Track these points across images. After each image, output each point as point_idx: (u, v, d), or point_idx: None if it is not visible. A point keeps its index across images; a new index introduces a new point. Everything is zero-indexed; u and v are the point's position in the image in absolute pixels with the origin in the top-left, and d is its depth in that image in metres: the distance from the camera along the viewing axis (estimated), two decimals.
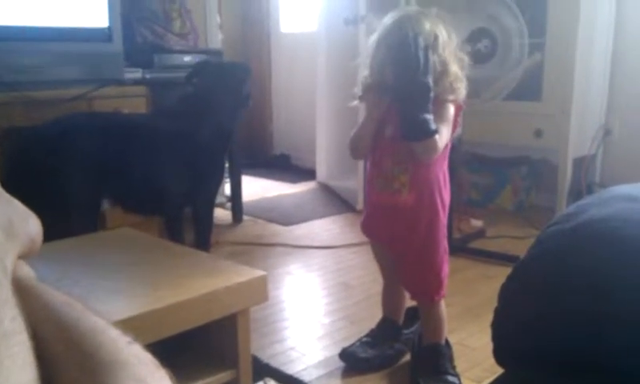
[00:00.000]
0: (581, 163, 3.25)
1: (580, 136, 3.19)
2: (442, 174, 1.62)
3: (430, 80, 1.45)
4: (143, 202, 2.22)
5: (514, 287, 0.85)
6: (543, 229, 0.87)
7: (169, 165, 2.19)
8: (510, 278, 0.86)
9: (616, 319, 0.68)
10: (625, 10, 3.22)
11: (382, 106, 1.56)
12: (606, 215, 0.79)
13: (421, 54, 1.44)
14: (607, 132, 3.35)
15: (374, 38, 1.58)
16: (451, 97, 1.57)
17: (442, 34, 1.54)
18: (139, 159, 2.12)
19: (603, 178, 3.39)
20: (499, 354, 0.85)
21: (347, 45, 3.56)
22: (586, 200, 0.88)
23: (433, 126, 1.48)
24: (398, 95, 1.50)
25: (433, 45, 1.50)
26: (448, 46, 1.55)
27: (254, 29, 5.20)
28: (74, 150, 2.01)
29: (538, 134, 3.14)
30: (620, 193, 0.85)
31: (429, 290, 1.67)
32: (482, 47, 2.40)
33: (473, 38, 2.45)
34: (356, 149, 1.68)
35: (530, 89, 3.16)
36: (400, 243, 1.67)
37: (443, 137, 1.53)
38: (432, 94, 1.46)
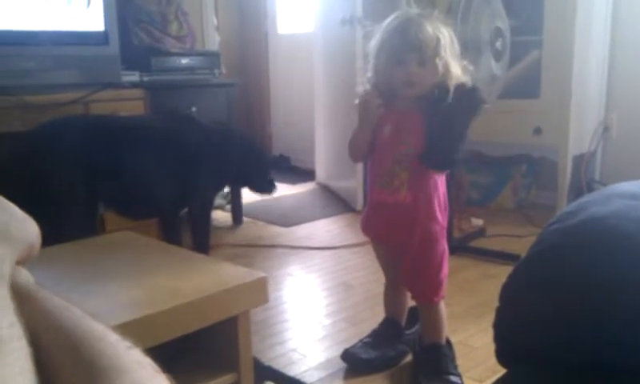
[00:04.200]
0: (580, 160, 3.25)
1: (579, 133, 3.18)
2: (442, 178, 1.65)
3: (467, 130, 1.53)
4: (133, 205, 2.21)
5: (516, 286, 0.84)
6: (544, 227, 0.86)
7: (159, 168, 2.17)
8: (511, 278, 0.85)
9: (618, 317, 0.67)
10: (621, 5, 3.22)
11: (377, 112, 1.57)
12: (607, 213, 0.78)
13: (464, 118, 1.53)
14: (606, 129, 3.35)
15: (375, 42, 1.58)
16: None
17: (445, 35, 1.53)
18: (130, 161, 2.11)
19: (603, 174, 3.39)
20: (501, 354, 0.84)
21: (344, 45, 3.56)
22: (587, 198, 0.88)
23: (458, 160, 1.58)
24: (431, 127, 1.54)
25: (435, 48, 1.51)
26: (450, 48, 1.54)
27: (251, 30, 5.20)
28: (66, 152, 2.00)
29: (538, 131, 3.14)
30: (620, 190, 0.85)
31: (427, 290, 1.67)
32: (499, 46, 2.43)
33: (493, 36, 2.49)
34: (354, 153, 1.69)
35: (528, 86, 3.16)
36: (399, 242, 1.67)
37: None
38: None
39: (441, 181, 1.64)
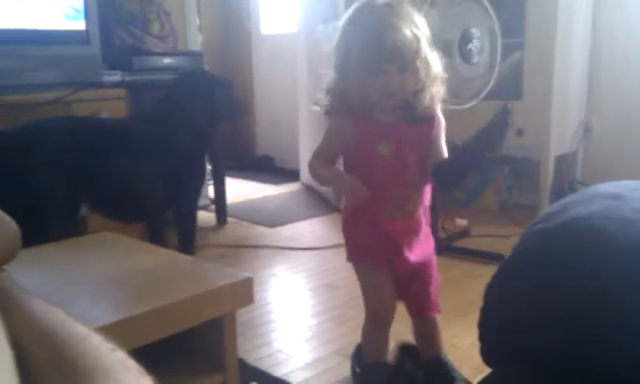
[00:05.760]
0: (562, 161, 3.29)
1: (561, 134, 3.22)
2: None
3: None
4: (121, 208, 2.19)
5: (500, 287, 0.85)
6: (528, 228, 0.87)
7: (146, 170, 2.16)
8: (495, 278, 0.86)
9: (603, 319, 0.68)
10: (602, 7, 3.26)
11: (362, 192, 1.32)
12: (590, 213, 0.79)
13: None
14: (587, 129, 3.39)
15: (338, 44, 1.37)
16: (439, 106, 1.42)
17: (420, 29, 1.33)
18: (114, 164, 2.10)
19: (585, 175, 3.43)
20: (486, 353, 0.85)
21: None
22: (570, 198, 0.89)
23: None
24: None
25: (416, 50, 1.30)
26: (427, 41, 1.34)
27: (234, 30, 5.18)
28: (46, 153, 1.98)
29: (519, 132, 3.16)
30: (603, 191, 0.86)
31: (436, 301, 1.55)
32: (473, 47, 2.40)
33: (465, 37, 2.48)
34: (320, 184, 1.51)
35: (510, 88, 3.18)
36: (409, 262, 1.45)
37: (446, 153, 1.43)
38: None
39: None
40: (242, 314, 1.96)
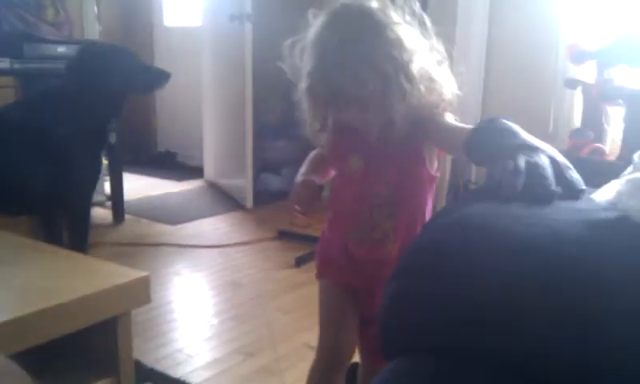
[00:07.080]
0: (457, 163, 3.45)
1: None
2: (428, 212, 1.21)
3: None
4: (1, 202, 2.05)
5: (396, 282, 0.87)
6: (424, 225, 0.90)
7: (24, 161, 2.03)
8: (392, 276, 0.88)
9: (503, 313, 0.70)
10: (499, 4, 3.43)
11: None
12: (483, 210, 0.83)
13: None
14: None
15: (309, 46, 1.05)
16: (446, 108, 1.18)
17: (402, 28, 1.08)
18: None
19: (478, 176, 3.62)
20: (387, 348, 0.87)
21: (233, 41, 3.52)
22: (464, 196, 0.93)
23: None
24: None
25: (398, 54, 1.04)
26: (414, 37, 1.10)
27: (135, 21, 5.01)
28: None
29: None
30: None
31: None
32: None
33: None
34: None
35: None
36: (373, 299, 1.18)
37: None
38: None
39: (428, 209, 1.21)
40: (140, 314, 1.90)
